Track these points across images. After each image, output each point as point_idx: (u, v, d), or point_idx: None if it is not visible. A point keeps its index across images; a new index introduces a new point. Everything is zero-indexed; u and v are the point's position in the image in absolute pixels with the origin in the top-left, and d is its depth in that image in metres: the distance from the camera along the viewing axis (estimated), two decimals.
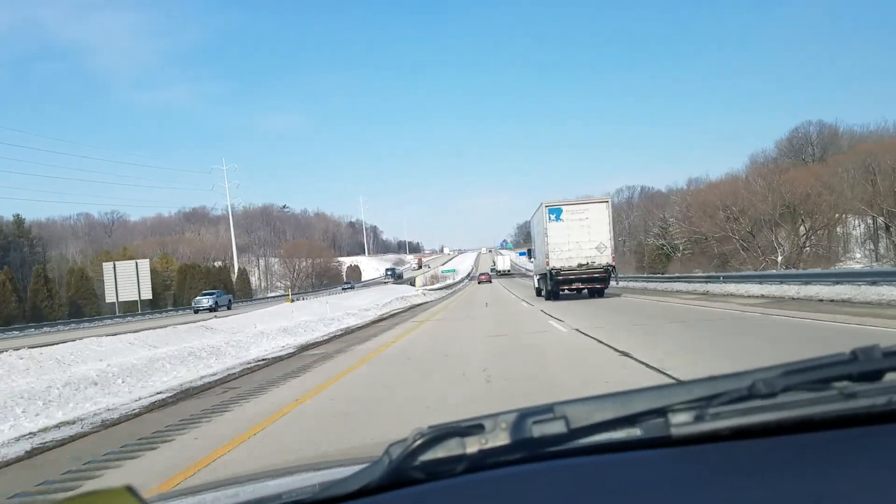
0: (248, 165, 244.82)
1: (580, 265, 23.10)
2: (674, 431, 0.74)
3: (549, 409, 0.73)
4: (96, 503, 0.62)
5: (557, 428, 0.71)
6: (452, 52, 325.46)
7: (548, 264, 23.38)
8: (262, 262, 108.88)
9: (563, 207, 23.85)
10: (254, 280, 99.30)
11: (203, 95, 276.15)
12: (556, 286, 23.41)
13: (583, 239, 23.24)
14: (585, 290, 24.17)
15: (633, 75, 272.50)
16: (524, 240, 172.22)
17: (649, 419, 0.75)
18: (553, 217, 23.64)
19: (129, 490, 0.62)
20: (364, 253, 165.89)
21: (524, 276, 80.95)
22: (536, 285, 29.44)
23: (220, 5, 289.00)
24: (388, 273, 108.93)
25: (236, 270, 72.40)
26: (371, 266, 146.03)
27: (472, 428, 0.73)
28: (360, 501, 0.73)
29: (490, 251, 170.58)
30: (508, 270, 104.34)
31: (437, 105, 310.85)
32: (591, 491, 0.71)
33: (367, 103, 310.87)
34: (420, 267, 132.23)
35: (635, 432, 0.77)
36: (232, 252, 72.54)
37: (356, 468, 0.78)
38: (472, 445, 0.72)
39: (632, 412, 0.73)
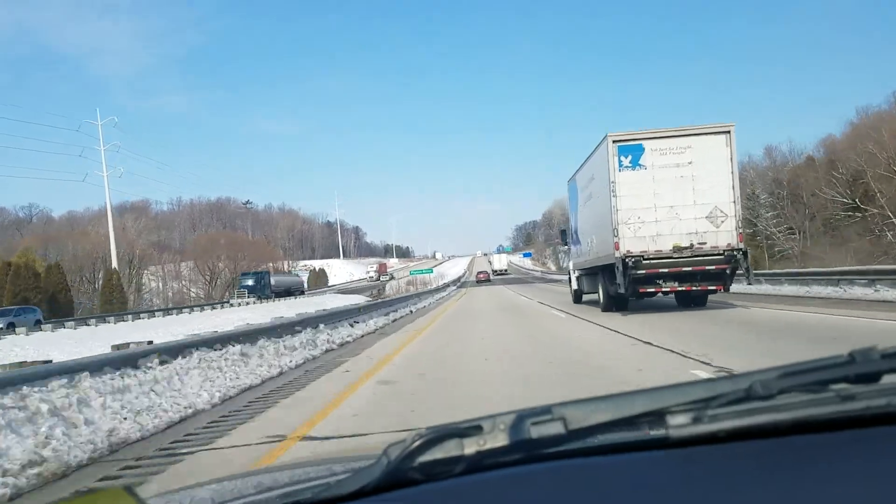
0: (247, 167, 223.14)
1: (678, 248, 12.56)
2: (672, 433, 0.74)
3: (547, 410, 0.73)
4: (96, 503, 0.62)
5: (556, 429, 0.71)
6: (447, 55, 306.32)
7: (617, 247, 12.70)
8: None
9: (646, 144, 12.83)
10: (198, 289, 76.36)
11: (186, 89, 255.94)
12: (634, 286, 12.84)
13: (682, 200, 12.64)
14: (671, 294, 13.71)
15: (632, 75, 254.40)
16: (524, 242, 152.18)
17: (647, 421, 0.75)
18: (627, 161, 12.83)
19: (128, 490, 0.62)
20: (340, 255, 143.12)
21: (539, 279, 69.05)
22: (576, 286, 18.88)
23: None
24: (245, 286, 53.97)
25: (108, 271, 48.61)
26: (346, 270, 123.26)
27: (471, 429, 0.73)
28: (358, 502, 0.72)
29: (485, 255, 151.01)
30: (505, 270, 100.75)
31: (434, 106, 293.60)
32: (589, 492, 0.71)
33: (361, 103, 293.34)
34: (379, 277, 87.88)
35: (633, 434, 0.77)
36: (110, 248, 49.48)
37: (354, 468, 0.78)
38: (471, 446, 0.72)
39: (630, 414, 0.73)
